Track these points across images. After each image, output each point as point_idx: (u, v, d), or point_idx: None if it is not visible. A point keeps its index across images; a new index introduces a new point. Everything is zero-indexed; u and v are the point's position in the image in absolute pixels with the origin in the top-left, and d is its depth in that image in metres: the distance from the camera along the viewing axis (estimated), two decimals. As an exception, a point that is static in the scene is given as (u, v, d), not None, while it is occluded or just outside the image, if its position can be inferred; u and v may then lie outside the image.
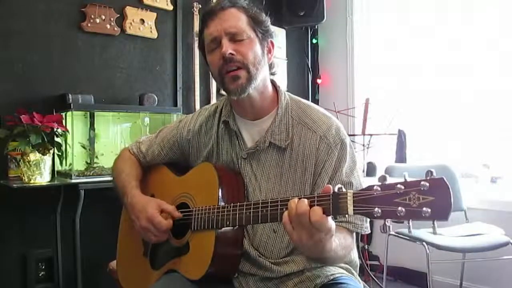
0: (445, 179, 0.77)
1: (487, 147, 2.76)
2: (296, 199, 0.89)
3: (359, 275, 1.23)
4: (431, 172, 0.78)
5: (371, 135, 2.87)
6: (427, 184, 0.77)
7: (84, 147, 2.38)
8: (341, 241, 1.01)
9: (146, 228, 1.17)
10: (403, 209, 0.78)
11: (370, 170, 2.88)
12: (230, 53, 1.11)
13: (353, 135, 3.07)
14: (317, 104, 3.52)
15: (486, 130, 2.74)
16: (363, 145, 2.88)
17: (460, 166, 2.74)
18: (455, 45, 2.85)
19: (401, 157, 2.87)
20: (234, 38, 1.12)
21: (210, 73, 1.24)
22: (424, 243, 2.10)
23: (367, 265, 2.81)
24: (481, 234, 2.27)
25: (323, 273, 1.14)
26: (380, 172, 2.87)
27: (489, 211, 2.59)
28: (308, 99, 3.39)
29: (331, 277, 1.13)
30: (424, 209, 0.76)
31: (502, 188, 2.68)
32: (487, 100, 2.72)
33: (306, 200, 0.88)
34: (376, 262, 2.97)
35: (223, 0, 1.16)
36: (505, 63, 2.65)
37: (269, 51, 1.20)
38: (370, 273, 2.76)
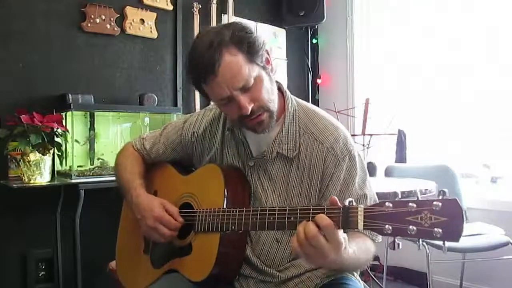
0: (458, 200, 0.77)
1: (487, 147, 2.76)
2: (304, 222, 0.88)
3: (359, 275, 1.23)
4: (444, 192, 0.78)
5: (371, 135, 2.86)
6: (440, 204, 0.77)
7: (77, 142, 2.35)
8: (360, 246, 0.99)
9: (153, 228, 1.16)
10: (415, 228, 0.78)
11: (370, 170, 2.87)
12: (251, 108, 1.06)
13: (353, 135, 3.06)
14: (317, 104, 3.55)
15: (486, 130, 2.74)
16: (363, 145, 2.88)
17: (460, 166, 2.74)
18: (455, 45, 2.85)
19: (401, 157, 2.87)
20: (244, 88, 1.05)
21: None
22: (424, 243, 2.10)
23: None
24: (481, 234, 2.27)
25: (323, 273, 1.14)
26: (380, 172, 2.87)
27: (489, 211, 2.59)
28: (308, 99, 3.42)
29: (332, 277, 1.14)
30: (436, 229, 0.76)
31: (502, 188, 2.68)
32: (487, 100, 2.72)
33: (312, 224, 0.86)
34: (376, 262, 2.97)
35: (209, 45, 1.03)
36: (505, 63, 2.65)
37: (268, 62, 1.11)
38: (370, 273, 2.76)
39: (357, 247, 0.97)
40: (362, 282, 1.21)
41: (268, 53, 1.12)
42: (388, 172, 2.67)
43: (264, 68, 1.09)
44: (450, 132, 2.88)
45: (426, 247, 2.11)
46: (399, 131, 2.87)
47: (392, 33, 3.19)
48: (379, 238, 1.09)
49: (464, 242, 2.17)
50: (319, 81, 3.59)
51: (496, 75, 2.68)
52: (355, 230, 0.86)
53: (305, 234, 0.86)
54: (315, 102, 3.50)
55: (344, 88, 3.41)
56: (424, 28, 2.99)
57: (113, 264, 1.56)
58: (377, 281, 2.74)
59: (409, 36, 3.08)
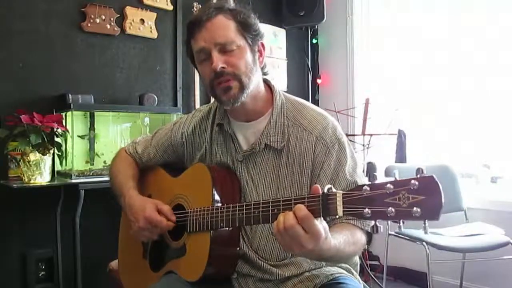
0: (435, 177, 0.75)
1: (487, 147, 2.76)
2: (285, 212, 0.88)
3: (359, 275, 1.23)
4: (421, 170, 0.76)
5: (371, 135, 2.87)
6: (417, 183, 0.75)
7: (80, 137, 2.34)
8: (347, 238, 0.99)
9: (143, 229, 1.16)
10: (393, 210, 0.76)
11: (370, 170, 2.88)
12: (222, 67, 1.09)
13: (353, 135, 3.07)
14: (317, 104, 3.54)
15: (486, 130, 2.74)
16: (363, 145, 2.88)
17: (460, 166, 2.74)
18: (454, 45, 2.85)
19: (401, 157, 2.87)
20: (224, 49, 1.10)
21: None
22: (424, 243, 2.10)
23: (367, 265, 2.81)
24: (481, 234, 2.27)
25: (323, 273, 1.14)
26: (380, 172, 2.87)
27: (489, 211, 2.59)
28: (308, 99, 3.41)
29: (331, 277, 1.13)
30: (414, 209, 0.74)
31: (502, 188, 2.68)
32: (487, 100, 2.72)
33: (291, 214, 0.86)
34: (376, 262, 2.97)
35: (208, 7, 1.12)
36: (505, 63, 2.65)
37: (260, 54, 1.18)
38: (370, 273, 2.76)
39: (343, 239, 0.97)
40: (362, 282, 1.21)
41: (263, 46, 1.19)
42: (388, 172, 2.67)
43: (251, 47, 1.14)
44: (450, 132, 2.88)
45: (426, 247, 2.11)
46: (399, 131, 2.87)
47: (392, 33, 3.19)
48: (369, 225, 1.08)
49: (464, 242, 2.18)
50: (319, 81, 3.59)
51: (496, 75, 2.68)
52: (336, 216, 0.86)
53: (283, 223, 0.86)
54: (315, 102, 3.50)
55: (344, 88, 3.41)
56: (424, 28, 2.99)
57: (113, 264, 1.56)
58: (377, 281, 2.74)
59: (409, 36, 3.07)
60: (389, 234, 2.45)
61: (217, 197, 1.13)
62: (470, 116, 2.79)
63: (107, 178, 2.21)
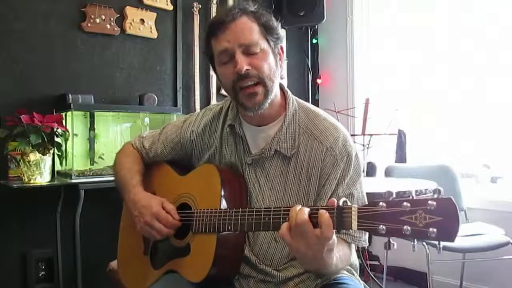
0: (453, 199, 0.75)
1: (487, 147, 2.76)
2: (297, 207, 0.88)
3: (359, 275, 1.23)
4: (439, 191, 0.76)
5: (371, 135, 2.86)
6: (434, 204, 0.75)
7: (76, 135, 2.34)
8: (339, 253, 1.00)
9: (150, 224, 1.15)
10: (409, 228, 0.77)
11: (370, 170, 2.88)
12: (247, 69, 1.07)
13: (353, 135, 3.06)
14: (317, 104, 3.54)
15: (486, 130, 2.74)
16: (363, 145, 2.88)
17: (460, 166, 2.74)
18: (454, 45, 2.85)
19: (401, 157, 2.87)
20: (248, 50, 1.08)
21: (219, 82, 1.22)
22: (424, 243, 2.10)
23: (367, 265, 2.81)
24: (481, 234, 2.27)
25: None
26: (380, 172, 2.87)
27: (489, 211, 2.59)
28: (308, 99, 3.42)
29: (332, 277, 1.13)
30: (431, 229, 0.75)
31: (502, 188, 2.68)
32: (487, 100, 2.72)
33: (305, 209, 0.87)
34: (376, 262, 2.96)
35: (232, 8, 1.11)
36: (505, 63, 2.65)
37: (280, 58, 1.16)
38: (370, 273, 2.76)
39: (338, 254, 0.98)
40: (362, 282, 1.21)
41: (282, 50, 1.18)
42: (388, 172, 2.67)
43: (273, 50, 1.13)
44: (450, 132, 2.88)
45: (426, 247, 2.11)
46: (399, 131, 2.87)
47: (392, 33, 3.19)
48: (365, 242, 1.11)
49: (464, 242, 2.18)
50: (319, 81, 3.59)
51: (496, 75, 2.68)
52: (350, 231, 0.85)
53: (296, 218, 0.86)
54: (315, 102, 3.50)
55: (344, 88, 3.41)
56: (424, 28, 2.99)
57: (113, 264, 1.56)
58: (377, 281, 2.73)
59: (409, 36, 3.07)
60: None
61: (224, 199, 1.12)
62: (470, 116, 2.79)
63: (107, 178, 2.24)
